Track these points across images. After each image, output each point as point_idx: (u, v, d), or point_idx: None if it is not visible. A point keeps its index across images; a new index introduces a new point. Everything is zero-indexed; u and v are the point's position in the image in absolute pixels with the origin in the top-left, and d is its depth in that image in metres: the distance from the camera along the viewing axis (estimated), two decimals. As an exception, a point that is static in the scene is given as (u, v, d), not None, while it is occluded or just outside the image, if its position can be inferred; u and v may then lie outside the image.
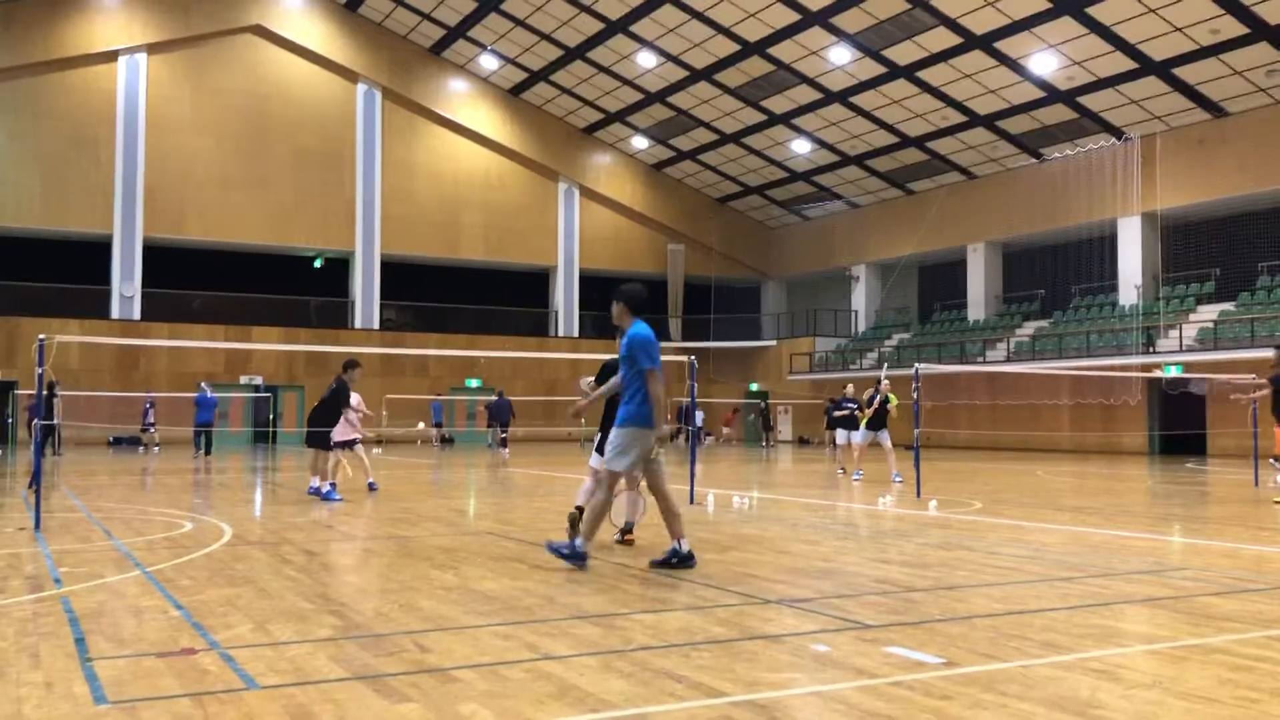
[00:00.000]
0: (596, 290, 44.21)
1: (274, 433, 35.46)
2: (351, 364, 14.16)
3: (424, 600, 6.49)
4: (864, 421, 18.77)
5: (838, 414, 20.99)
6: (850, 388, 21.25)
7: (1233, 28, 26.94)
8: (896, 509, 12.97)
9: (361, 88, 40.61)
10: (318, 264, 41.73)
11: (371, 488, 14.83)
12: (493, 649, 5.16)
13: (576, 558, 7.61)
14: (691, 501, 13.23)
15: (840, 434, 20.91)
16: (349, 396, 14.33)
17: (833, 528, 10.85)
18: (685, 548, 7.73)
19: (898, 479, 17.50)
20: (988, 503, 13.93)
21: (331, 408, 14.23)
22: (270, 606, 6.20)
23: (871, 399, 18.61)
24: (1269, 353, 26.83)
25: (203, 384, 28.45)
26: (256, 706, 4.12)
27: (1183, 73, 29.45)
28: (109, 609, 6.17)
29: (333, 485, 13.95)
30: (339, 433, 14.46)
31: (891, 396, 18.59)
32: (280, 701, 4.18)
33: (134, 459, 25.99)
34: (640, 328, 7.70)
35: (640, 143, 43.60)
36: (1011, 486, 17.15)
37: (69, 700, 4.19)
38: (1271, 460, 19.83)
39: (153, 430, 30.95)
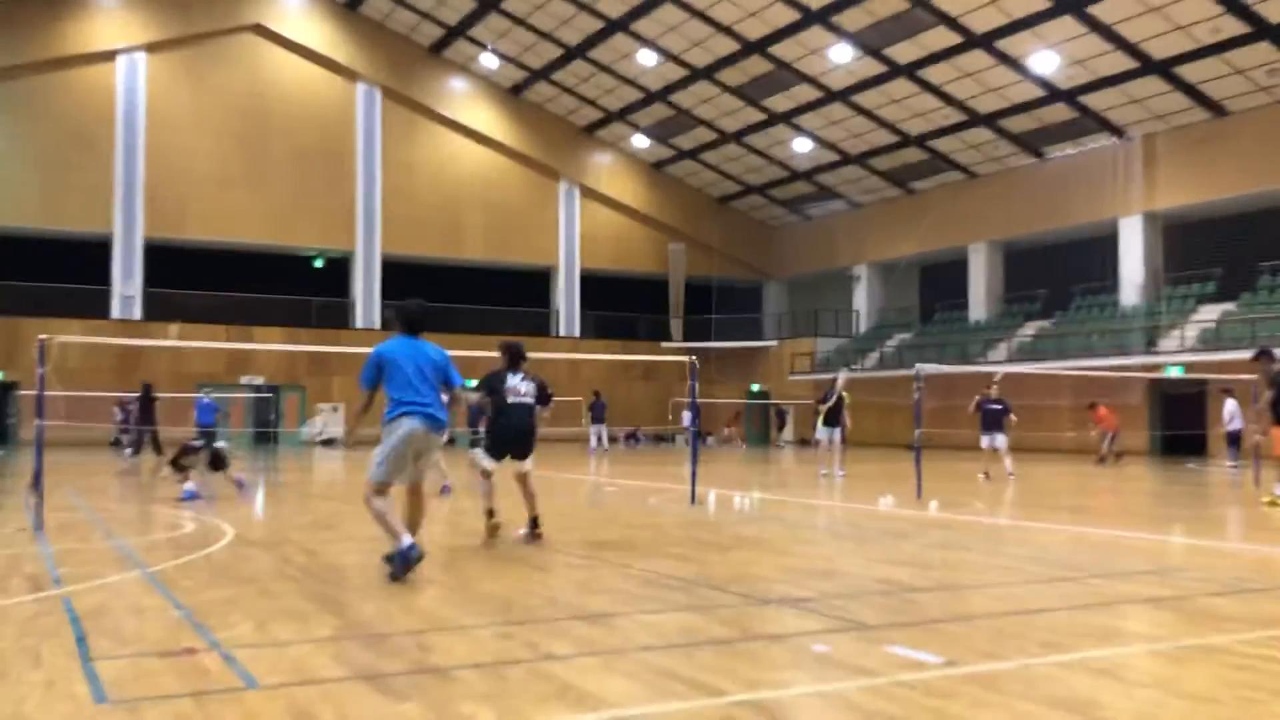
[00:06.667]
0: (597, 290, 44.26)
1: (276, 433, 35.42)
2: None
3: (424, 600, 6.49)
4: (821, 419, 18.85)
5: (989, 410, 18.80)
6: (995, 388, 19.04)
7: (1234, 26, 26.90)
8: (897, 509, 12.96)
9: (361, 87, 40.58)
10: (318, 264, 41.66)
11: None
12: (493, 649, 5.15)
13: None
14: (693, 501, 13.23)
15: (990, 439, 18.61)
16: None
17: (833, 528, 10.84)
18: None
19: (840, 474, 17.71)
20: (988, 503, 13.93)
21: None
22: (271, 606, 6.20)
23: (827, 395, 18.74)
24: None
25: (201, 392, 28.25)
26: (257, 706, 4.12)
27: (1184, 72, 29.40)
28: (110, 609, 6.17)
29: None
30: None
31: (846, 395, 18.78)
32: (281, 701, 4.18)
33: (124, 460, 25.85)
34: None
35: (641, 142, 43.55)
36: (1012, 487, 17.12)
37: (70, 700, 4.19)
38: None
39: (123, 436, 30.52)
